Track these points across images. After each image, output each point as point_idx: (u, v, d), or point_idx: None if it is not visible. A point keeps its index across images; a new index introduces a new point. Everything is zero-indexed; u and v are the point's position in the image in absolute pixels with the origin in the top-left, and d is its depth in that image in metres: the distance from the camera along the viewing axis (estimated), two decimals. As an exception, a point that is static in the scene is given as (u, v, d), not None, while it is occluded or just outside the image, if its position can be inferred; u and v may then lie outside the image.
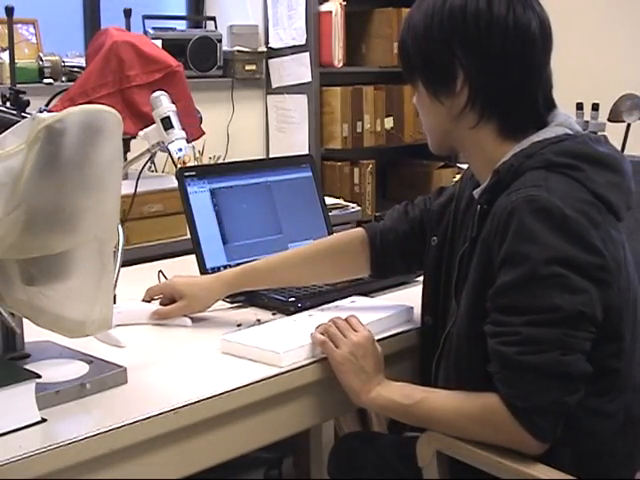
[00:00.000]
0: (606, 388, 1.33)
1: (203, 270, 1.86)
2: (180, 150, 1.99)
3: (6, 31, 2.82)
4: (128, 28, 3.13)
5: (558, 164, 1.33)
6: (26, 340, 1.42)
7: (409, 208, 1.69)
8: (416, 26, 1.41)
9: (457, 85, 1.39)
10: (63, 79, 3.20)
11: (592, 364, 1.26)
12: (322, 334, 1.49)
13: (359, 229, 1.73)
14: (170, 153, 1.99)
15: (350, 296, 1.77)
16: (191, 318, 1.68)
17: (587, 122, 3.08)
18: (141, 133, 2.01)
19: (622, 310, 1.33)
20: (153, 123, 2.01)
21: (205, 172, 1.96)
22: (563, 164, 1.33)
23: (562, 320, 1.24)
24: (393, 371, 1.53)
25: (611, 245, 1.31)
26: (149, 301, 1.74)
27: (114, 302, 1.65)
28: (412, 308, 1.68)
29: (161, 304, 1.71)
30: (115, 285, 1.62)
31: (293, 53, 3.80)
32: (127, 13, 3.17)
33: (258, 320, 1.67)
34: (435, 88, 1.42)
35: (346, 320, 1.52)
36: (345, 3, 3.78)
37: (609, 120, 3.19)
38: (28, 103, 1.72)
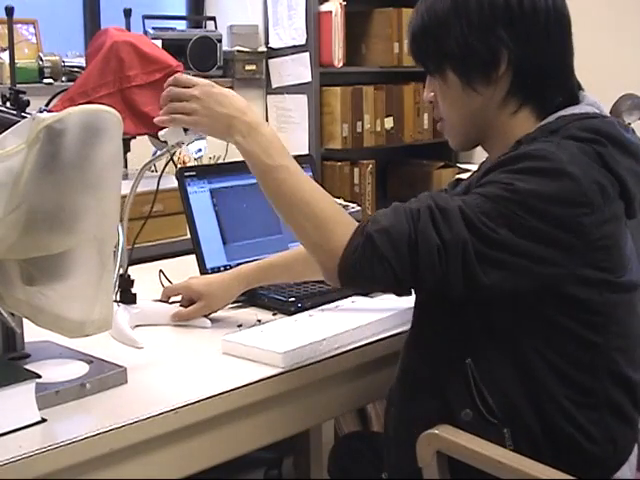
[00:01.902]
0: (588, 364, 1.30)
1: (203, 270, 1.86)
2: (200, 150, 1.97)
3: (6, 31, 2.82)
4: (128, 28, 3.13)
5: (581, 138, 1.29)
6: (26, 340, 1.42)
7: None
8: (445, 13, 1.35)
9: (500, 70, 1.35)
10: (63, 79, 3.20)
11: (576, 337, 1.26)
12: (166, 114, 1.47)
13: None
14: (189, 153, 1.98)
15: (350, 296, 1.77)
16: (210, 319, 1.68)
17: (587, 122, 3.07)
18: (161, 133, 2.01)
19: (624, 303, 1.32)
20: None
21: (205, 172, 1.96)
22: (586, 138, 1.29)
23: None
24: (393, 371, 1.53)
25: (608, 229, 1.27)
26: (166, 301, 1.74)
27: (134, 302, 1.65)
28: (412, 308, 1.68)
29: (181, 306, 1.70)
30: (115, 285, 1.62)
31: (293, 53, 3.79)
32: (127, 13, 3.16)
33: (259, 320, 1.67)
34: (471, 76, 1.36)
35: (175, 85, 1.46)
36: (345, 3, 3.78)
37: (609, 120, 3.19)
38: (28, 103, 1.72)
